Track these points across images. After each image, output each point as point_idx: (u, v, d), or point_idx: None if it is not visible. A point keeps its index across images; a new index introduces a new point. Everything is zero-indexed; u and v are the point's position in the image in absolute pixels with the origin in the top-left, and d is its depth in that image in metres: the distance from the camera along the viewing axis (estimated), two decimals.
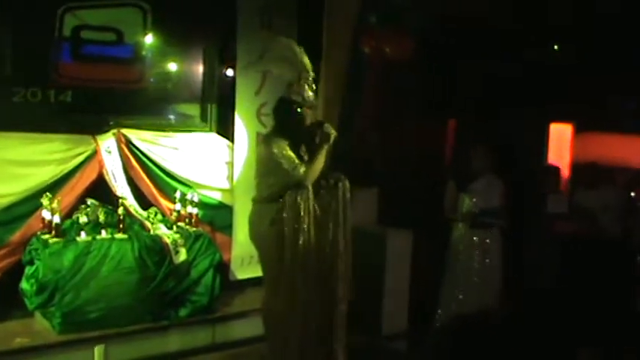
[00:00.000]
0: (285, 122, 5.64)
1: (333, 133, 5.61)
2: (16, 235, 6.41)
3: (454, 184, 7.46)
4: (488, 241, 7.36)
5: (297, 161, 5.45)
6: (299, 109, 5.56)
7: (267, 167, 5.54)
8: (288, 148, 5.45)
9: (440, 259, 7.72)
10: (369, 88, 8.00)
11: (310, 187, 5.55)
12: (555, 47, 10.49)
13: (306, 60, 5.63)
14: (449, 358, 5.29)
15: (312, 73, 5.66)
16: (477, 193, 7.30)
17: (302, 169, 5.44)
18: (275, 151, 5.43)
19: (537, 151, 11.05)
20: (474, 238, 7.36)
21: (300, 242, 5.48)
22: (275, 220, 5.52)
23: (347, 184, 5.82)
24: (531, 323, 6.41)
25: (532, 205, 8.04)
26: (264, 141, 5.65)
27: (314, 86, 5.66)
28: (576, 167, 9.08)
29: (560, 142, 11.20)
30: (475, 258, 7.34)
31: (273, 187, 5.54)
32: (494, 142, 7.84)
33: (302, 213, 5.48)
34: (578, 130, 11.15)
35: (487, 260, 7.35)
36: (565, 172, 8.48)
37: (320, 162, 5.57)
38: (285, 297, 5.57)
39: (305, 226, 5.50)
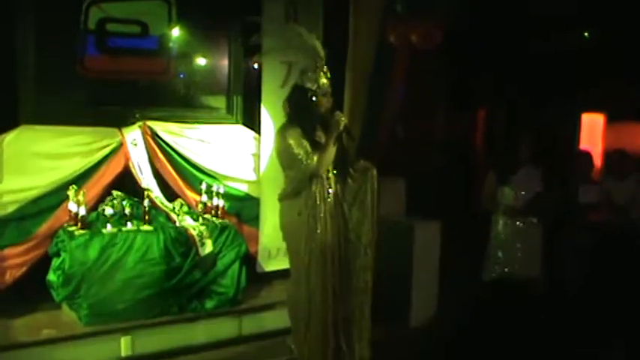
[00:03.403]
0: (300, 111, 5.56)
1: (343, 121, 5.53)
2: (43, 228, 6.43)
3: (494, 175, 7.40)
4: (530, 231, 7.32)
5: (309, 150, 5.40)
6: (313, 97, 5.51)
7: (286, 160, 5.51)
8: (302, 138, 5.41)
9: (470, 250, 7.67)
10: (396, 78, 7.93)
11: (324, 176, 5.52)
12: (586, 35, 10.34)
13: (319, 46, 5.58)
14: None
15: (322, 61, 5.59)
16: (519, 184, 7.24)
17: (314, 158, 5.38)
18: (291, 142, 5.39)
19: (569, 142, 10.92)
20: (517, 230, 7.30)
21: (319, 231, 5.46)
22: (302, 211, 5.50)
23: (375, 172, 5.78)
24: (562, 312, 6.37)
25: (564, 195, 7.93)
26: (279, 133, 5.58)
27: (328, 73, 5.59)
28: (608, 157, 8.94)
29: (592, 132, 11.06)
30: (517, 249, 7.29)
31: (294, 180, 5.51)
32: (529, 133, 7.78)
33: (318, 202, 5.46)
34: (611, 120, 11.00)
35: (529, 251, 7.31)
36: (597, 162, 8.32)
37: (331, 151, 5.49)
38: (308, 287, 5.55)
39: (322, 214, 5.48)
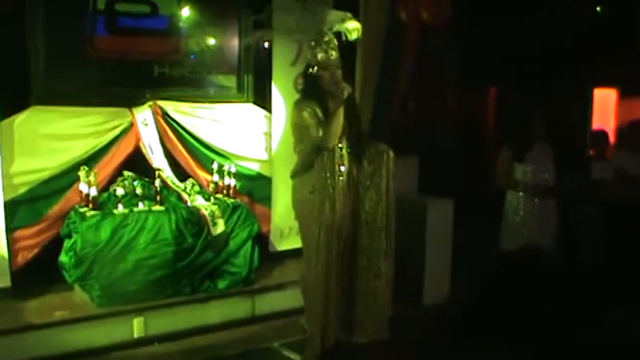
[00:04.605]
0: (307, 85, 5.58)
1: (347, 90, 5.51)
2: (55, 209, 6.44)
3: (509, 151, 7.34)
4: (545, 208, 7.29)
5: (320, 121, 5.40)
6: (317, 71, 5.50)
7: (299, 133, 5.48)
8: (316, 111, 5.38)
9: (483, 227, 7.65)
10: (407, 55, 7.86)
11: (337, 153, 5.49)
12: (598, 9, 10.25)
13: (322, 21, 5.54)
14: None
15: (328, 35, 5.55)
16: (535, 161, 7.20)
17: (320, 130, 5.37)
18: (305, 114, 5.38)
19: (582, 117, 10.85)
20: (532, 206, 7.27)
21: (327, 208, 5.43)
22: (314, 189, 5.47)
23: (391, 154, 5.74)
24: (576, 288, 6.34)
25: (577, 171, 7.90)
26: (295, 106, 5.57)
27: (331, 50, 5.53)
28: (621, 132, 8.88)
29: (605, 108, 10.97)
30: (532, 225, 7.26)
31: (303, 154, 5.49)
32: (541, 109, 7.72)
33: (328, 179, 5.42)
34: (623, 95, 10.90)
35: (544, 227, 7.28)
36: (611, 137, 8.27)
37: (337, 122, 5.47)
38: (317, 266, 5.52)
39: (331, 191, 5.44)
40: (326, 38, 5.49)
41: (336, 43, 5.55)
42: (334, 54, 5.51)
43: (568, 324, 5.78)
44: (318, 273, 5.52)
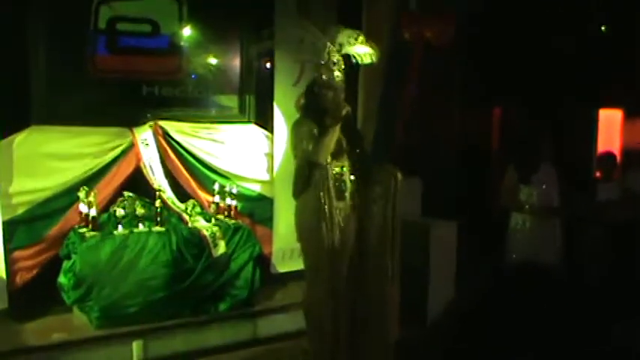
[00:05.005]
0: (308, 104, 5.52)
1: (346, 109, 5.45)
2: (54, 230, 6.40)
3: (515, 172, 7.29)
4: (550, 229, 7.27)
5: (309, 136, 5.33)
6: (319, 91, 5.42)
7: (295, 151, 5.42)
8: (314, 130, 5.31)
9: (487, 249, 7.59)
10: (410, 76, 7.83)
11: (329, 168, 5.40)
12: (602, 29, 10.22)
13: (323, 42, 5.47)
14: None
15: (335, 55, 5.48)
16: (540, 183, 7.15)
17: (310, 144, 5.29)
18: (301, 132, 5.33)
19: (587, 138, 10.78)
20: (537, 227, 7.22)
21: (324, 228, 5.34)
22: (314, 208, 5.40)
23: (399, 177, 5.64)
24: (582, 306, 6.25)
25: (583, 193, 7.85)
26: (295, 126, 5.51)
27: (338, 67, 5.47)
28: (627, 153, 8.82)
29: (610, 128, 10.92)
30: (537, 246, 7.21)
31: (295, 167, 5.42)
32: (544, 130, 7.69)
33: (322, 200, 5.33)
34: (629, 116, 10.85)
35: (549, 249, 7.22)
36: (617, 159, 8.22)
37: (329, 137, 5.36)
38: (320, 288, 5.44)
39: (326, 209, 5.35)
40: (333, 58, 5.43)
41: (342, 64, 5.49)
42: (339, 75, 5.45)
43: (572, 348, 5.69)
44: (321, 295, 5.45)
